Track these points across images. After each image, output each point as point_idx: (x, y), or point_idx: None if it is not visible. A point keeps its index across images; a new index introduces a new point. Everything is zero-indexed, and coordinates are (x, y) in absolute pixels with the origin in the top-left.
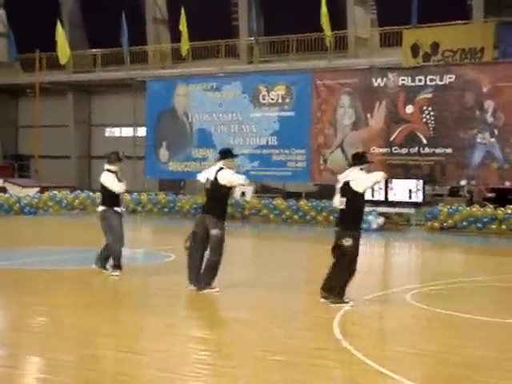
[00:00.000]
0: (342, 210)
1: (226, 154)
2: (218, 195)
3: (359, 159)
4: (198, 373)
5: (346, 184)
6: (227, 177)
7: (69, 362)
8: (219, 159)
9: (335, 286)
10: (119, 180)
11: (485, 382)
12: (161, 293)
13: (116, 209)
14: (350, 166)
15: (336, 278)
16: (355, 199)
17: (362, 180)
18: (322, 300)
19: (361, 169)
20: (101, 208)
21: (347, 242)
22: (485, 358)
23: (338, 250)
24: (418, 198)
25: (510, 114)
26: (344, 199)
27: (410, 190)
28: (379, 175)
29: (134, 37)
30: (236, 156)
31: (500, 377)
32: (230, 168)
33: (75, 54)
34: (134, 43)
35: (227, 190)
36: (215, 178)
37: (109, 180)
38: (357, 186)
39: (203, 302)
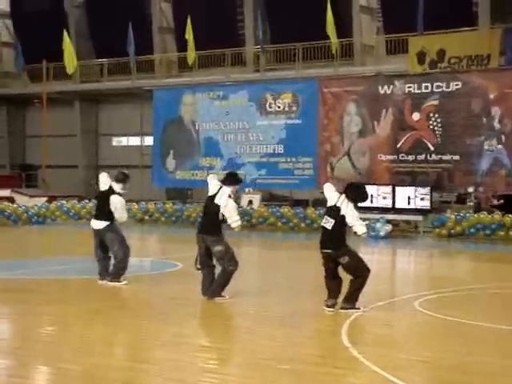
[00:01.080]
0: (327, 229)
1: (236, 181)
2: (216, 215)
3: (362, 198)
4: (205, 382)
5: (337, 209)
6: (228, 212)
7: (77, 372)
8: (226, 182)
9: (350, 292)
10: None
11: None
12: (168, 301)
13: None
14: (344, 194)
15: (354, 286)
16: (343, 222)
17: (353, 215)
18: (328, 309)
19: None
20: (107, 222)
21: (344, 260)
22: (493, 365)
23: (340, 266)
24: (426, 205)
25: None
26: (332, 220)
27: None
28: (361, 229)
29: (140, 46)
30: (241, 182)
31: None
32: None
33: (82, 64)
34: (140, 52)
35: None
36: (218, 204)
37: (120, 205)
38: (347, 217)
39: (211, 311)
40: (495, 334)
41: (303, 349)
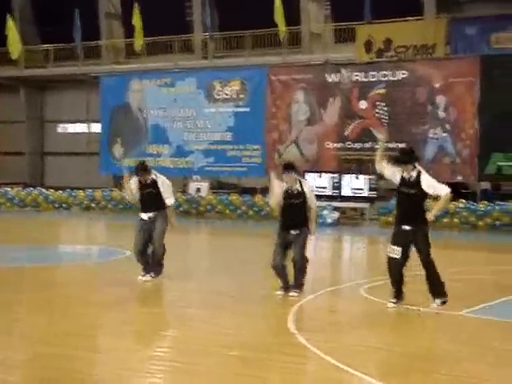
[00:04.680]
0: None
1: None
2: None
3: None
4: (154, 369)
5: (418, 180)
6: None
7: (23, 361)
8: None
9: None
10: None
11: (440, 373)
12: (116, 290)
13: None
14: (406, 163)
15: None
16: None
17: (430, 182)
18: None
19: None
20: None
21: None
22: (439, 350)
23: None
24: (372, 192)
25: (462, 110)
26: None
27: (364, 185)
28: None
29: (87, 32)
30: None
31: (455, 368)
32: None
33: (27, 49)
34: (87, 38)
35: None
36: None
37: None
38: (425, 186)
39: (159, 299)
40: (442, 319)
41: (250, 335)
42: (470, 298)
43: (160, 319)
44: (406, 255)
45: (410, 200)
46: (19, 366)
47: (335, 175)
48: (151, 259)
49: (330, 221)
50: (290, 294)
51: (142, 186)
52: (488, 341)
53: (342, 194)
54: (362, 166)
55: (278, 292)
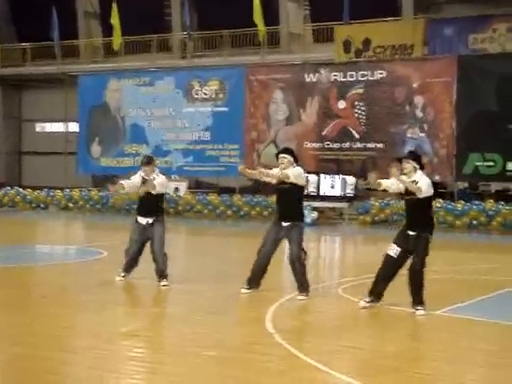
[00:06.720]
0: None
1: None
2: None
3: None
4: (131, 370)
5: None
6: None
7: None
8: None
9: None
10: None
11: (415, 372)
12: (93, 290)
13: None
14: (399, 160)
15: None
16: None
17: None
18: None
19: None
20: None
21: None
22: (415, 349)
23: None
24: (351, 192)
25: (439, 110)
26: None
27: (343, 185)
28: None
29: (64, 31)
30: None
31: (430, 367)
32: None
33: (4, 48)
34: (65, 37)
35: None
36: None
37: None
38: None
39: (136, 299)
40: (418, 319)
41: (229, 335)
42: (447, 298)
43: (136, 319)
44: (402, 259)
45: (412, 206)
46: None
47: (314, 175)
48: (155, 269)
49: (309, 221)
50: (298, 298)
51: (143, 184)
52: (464, 340)
53: (321, 193)
54: (340, 165)
55: (243, 290)
